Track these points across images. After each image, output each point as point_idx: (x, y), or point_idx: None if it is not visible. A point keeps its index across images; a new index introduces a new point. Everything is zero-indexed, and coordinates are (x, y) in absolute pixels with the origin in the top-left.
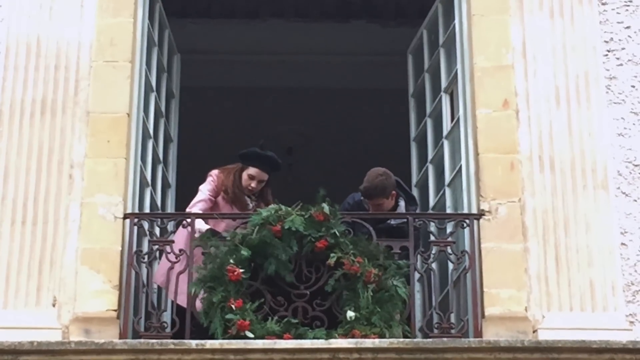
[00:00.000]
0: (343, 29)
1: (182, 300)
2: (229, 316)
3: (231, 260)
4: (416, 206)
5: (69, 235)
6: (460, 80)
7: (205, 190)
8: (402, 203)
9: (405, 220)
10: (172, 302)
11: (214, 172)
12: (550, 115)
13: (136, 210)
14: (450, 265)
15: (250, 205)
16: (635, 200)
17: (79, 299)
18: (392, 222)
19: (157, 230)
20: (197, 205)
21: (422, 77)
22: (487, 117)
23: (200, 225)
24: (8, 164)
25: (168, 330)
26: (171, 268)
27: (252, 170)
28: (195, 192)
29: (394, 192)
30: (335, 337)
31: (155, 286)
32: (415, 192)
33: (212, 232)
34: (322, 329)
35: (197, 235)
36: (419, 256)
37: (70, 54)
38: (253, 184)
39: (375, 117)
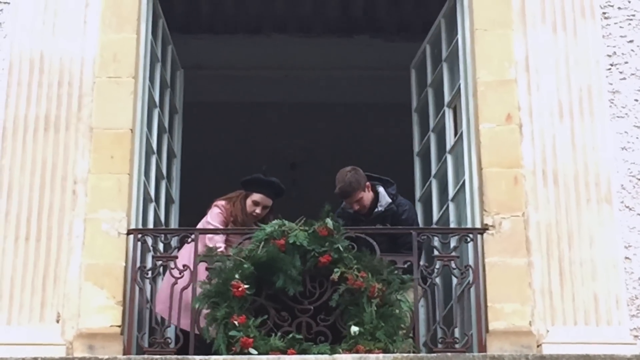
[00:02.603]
0: (346, 43)
1: (186, 325)
2: (232, 333)
3: (236, 276)
4: (394, 186)
5: (73, 251)
6: (463, 95)
7: (216, 224)
8: (380, 189)
9: (390, 203)
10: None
11: (220, 204)
12: (553, 129)
13: (140, 226)
14: (454, 280)
15: None
16: (639, 214)
17: (83, 315)
18: (379, 208)
19: (160, 246)
20: (215, 239)
21: (425, 91)
22: (491, 131)
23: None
24: (12, 180)
25: (172, 346)
26: (175, 284)
27: (256, 197)
28: (198, 208)
29: (367, 182)
30: (339, 352)
31: None
32: (418, 206)
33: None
34: (326, 344)
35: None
36: (422, 271)
37: (73, 70)
38: (258, 210)
39: (378, 131)
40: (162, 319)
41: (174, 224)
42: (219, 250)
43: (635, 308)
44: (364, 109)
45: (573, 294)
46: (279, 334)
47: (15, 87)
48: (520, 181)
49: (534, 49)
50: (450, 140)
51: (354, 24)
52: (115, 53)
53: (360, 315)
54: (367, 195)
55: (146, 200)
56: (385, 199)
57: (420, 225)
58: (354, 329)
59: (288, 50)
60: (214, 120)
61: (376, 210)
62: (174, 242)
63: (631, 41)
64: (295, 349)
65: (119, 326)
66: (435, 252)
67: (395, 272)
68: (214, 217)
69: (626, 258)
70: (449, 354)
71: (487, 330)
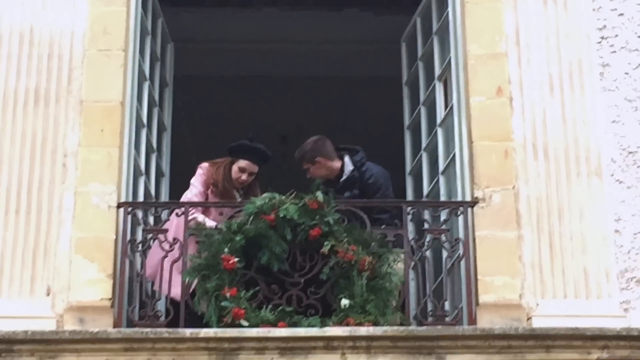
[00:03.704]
0: (336, 17)
1: (177, 294)
2: (224, 304)
3: (226, 249)
4: (360, 152)
5: (63, 225)
6: (453, 68)
7: (197, 184)
8: (345, 158)
9: (353, 170)
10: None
11: (204, 165)
12: (544, 102)
13: (130, 199)
14: (445, 253)
15: (239, 200)
16: (629, 187)
17: (73, 288)
18: (343, 177)
19: (151, 219)
20: (192, 200)
21: (416, 65)
22: (481, 104)
23: (208, 222)
24: (1, 153)
25: (162, 319)
26: (165, 257)
27: (242, 163)
28: (188, 181)
29: (334, 152)
30: (329, 325)
31: None
32: (409, 180)
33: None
34: (316, 317)
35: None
36: (413, 244)
37: (63, 43)
38: (244, 177)
39: (368, 105)
40: (153, 291)
41: (164, 197)
42: (191, 215)
43: (625, 281)
44: (354, 83)
45: (563, 267)
46: (269, 307)
47: (5, 60)
48: (510, 154)
49: (525, 22)
50: (440, 113)
51: None
52: (105, 26)
53: (350, 288)
54: (329, 165)
55: (136, 173)
56: (347, 167)
57: (411, 198)
58: (344, 302)
59: (278, 24)
60: (204, 93)
61: (342, 179)
62: (164, 215)
63: (622, 14)
64: (285, 321)
65: (110, 299)
66: (426, 226)
67: (386, 244)
68: (196, 177)
69: (616, 231)
70: (439, 326)
71: (477, 303)
